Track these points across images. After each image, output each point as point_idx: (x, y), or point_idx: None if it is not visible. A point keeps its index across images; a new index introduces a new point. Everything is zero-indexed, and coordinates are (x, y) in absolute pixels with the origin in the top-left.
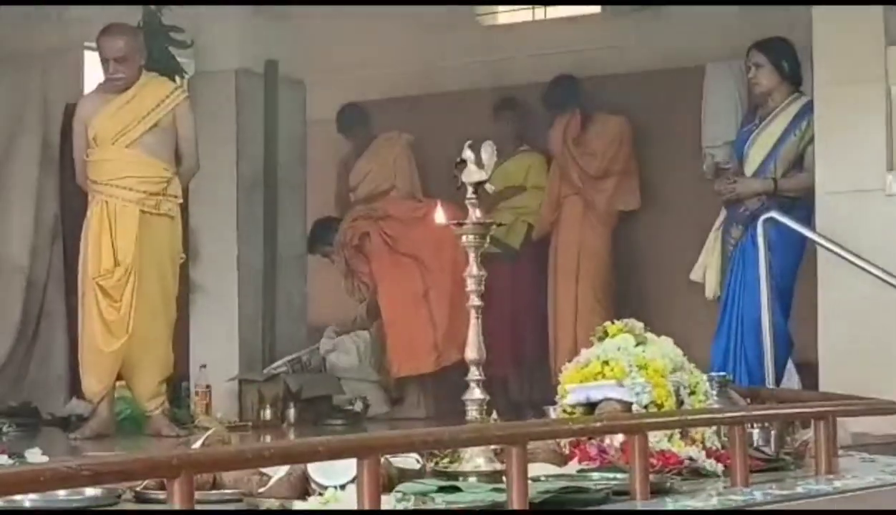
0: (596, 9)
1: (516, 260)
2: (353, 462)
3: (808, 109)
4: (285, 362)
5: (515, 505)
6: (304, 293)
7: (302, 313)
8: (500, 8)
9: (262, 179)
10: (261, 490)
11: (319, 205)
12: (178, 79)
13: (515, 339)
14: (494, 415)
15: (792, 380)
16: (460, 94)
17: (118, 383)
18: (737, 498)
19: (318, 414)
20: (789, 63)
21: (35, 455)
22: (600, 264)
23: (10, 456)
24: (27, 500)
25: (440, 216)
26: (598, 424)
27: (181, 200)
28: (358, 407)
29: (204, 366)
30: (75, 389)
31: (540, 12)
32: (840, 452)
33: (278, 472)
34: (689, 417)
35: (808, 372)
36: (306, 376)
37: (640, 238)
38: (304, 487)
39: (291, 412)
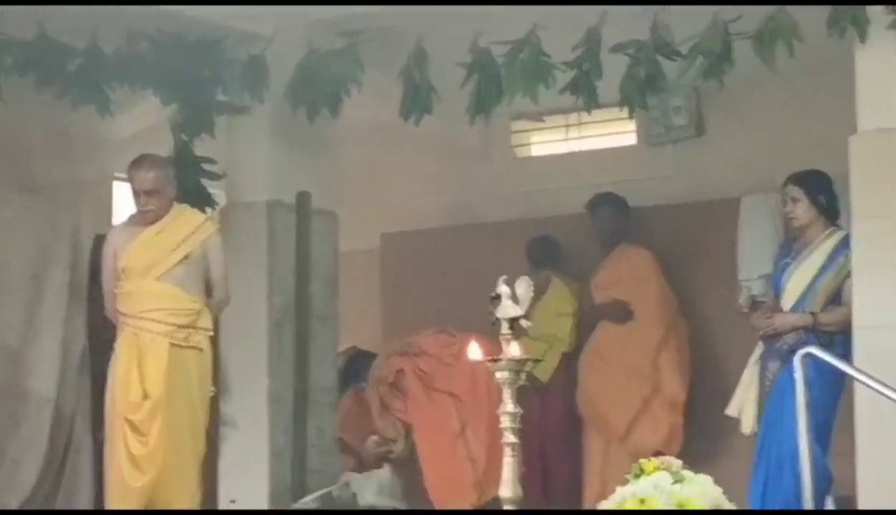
0: (632, 139)
1: (545, 391)
2: None
3: (845, 244)
4: (315, 497)
5: None
6: (334, 426)
7: (332, 447)
8: (534, 138)
9: (293, 311)
10: None
11: (352, 338)
12: (208, 210)
13: (547, 473)
14: None
15: None
16: (495, 226)
17: None
18: None
19: None
20: (826, 197)
21: None
22: None
23: None
24: None
25: (475, 352)
26: None
27: (211, 332)
28: None
29: (234, 501)
30: None
31: (574, 144)
32: None
33: None
34: None
35: (849, 507)
36: (337, 511)
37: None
38: None
39: None
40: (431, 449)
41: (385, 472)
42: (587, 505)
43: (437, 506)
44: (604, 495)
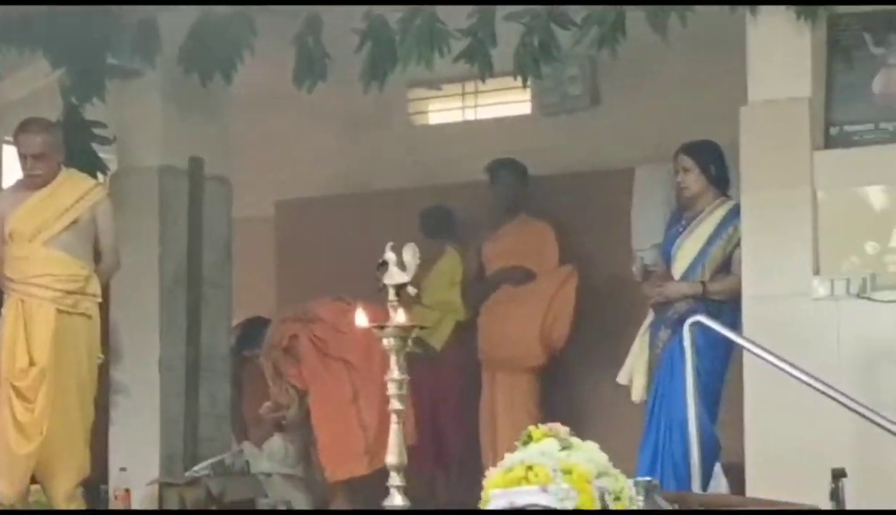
0: (526, 109)
1: (438, 359)
2: None
3: (735, 213)
4: (207, 465)
5: None
6: (227, 394)
7: (225, 415)
8: (431, 106)
9: (185, 278)
10: None
11: (245, 306)
12: (99, 175)
13: (442, 439)
14: None
15: (720, 483)
16: (390, 193)
17: (33, 486)
18: None
19: None
20: (716, 167)
21: None
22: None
23: None
24: None
25: (361, 318)
26: None
27: (100, 299)
28: (282, 506)
29: (124, 469)
30: None
31: (471, 113)
32: None
33: None
34: None
35: (737, 474)
36: (229, 479)
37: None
38: None
39: None
40: (324, 415)
41: (277, 439)
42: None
43: (329, 473)
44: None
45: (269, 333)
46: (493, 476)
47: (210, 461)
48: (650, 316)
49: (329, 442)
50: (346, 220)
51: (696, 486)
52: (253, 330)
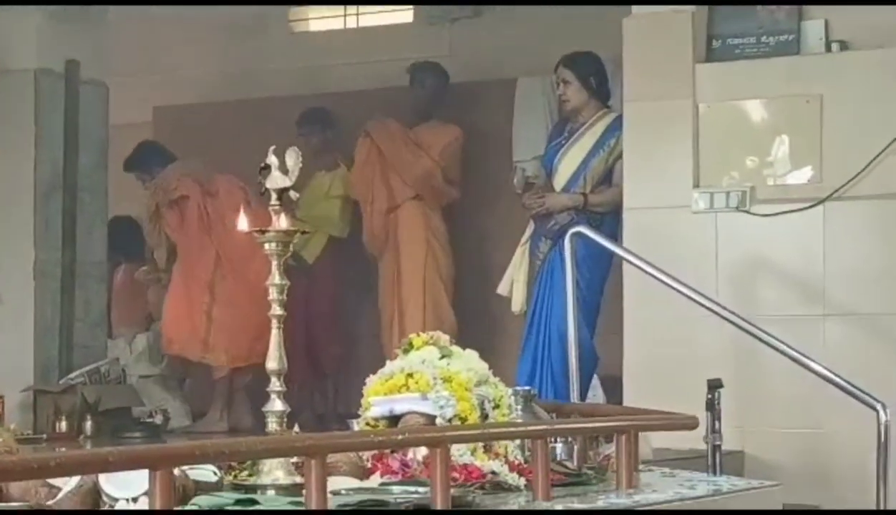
0: (409, 17)
1: (310, 272)
2: (144, 473)
3: (617, 125)
4: (83, 372)
5: None
6: (103, 301)
7: (101, 322)
8: (312, 14)
9: (61, 183)
10: (49, 502)
11: (121, 212)
12: None
13: (317, 352)
14: (297, 428)
15: (597, 395)
16: (270, 101)
17: None
18: (538, 511)
19: (117, 426)
20: (596, 79)
21: None
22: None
23: None
24: None
25: (242, 222)
26: (400, 436)
27: None
28: (158, 419)
29: None
30: None
31: (352, 20)
32: (641, 467)
33: (68, 484)
34: (493, 430)
35: (613, 386)
36: (104, 387)
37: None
38: (95, 500)
39: (88, 424)
40: (181, 286)
41: (142, 339)
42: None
43: (164, 342)
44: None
45: (166, 175)
46: (373, 383)
47: (85, 368)
48: (530, 228)
49: (172, 315)
50: (224, 127)
51: (574, 397)
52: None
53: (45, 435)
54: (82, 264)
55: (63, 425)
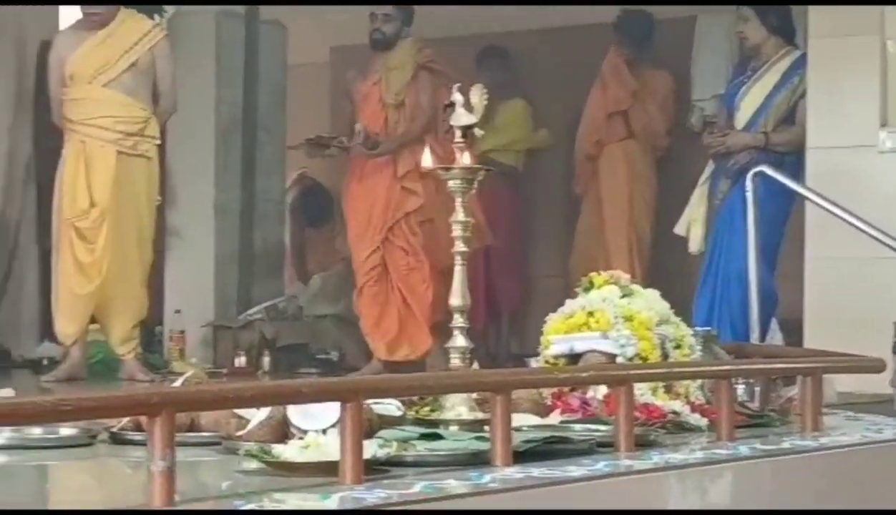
0: None
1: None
2: (333, 406)
3: (800, 63)
4: (261, 309)
5: (499, 454)
6: (282, 239)
7: (279, 259)
8: None
9: (240, 123)
10: (239, 433)
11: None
12: (157, 17)
13: (493, 289)
14: (476, 366)
15: (775, 338)
16: (447, 41)
17: (91, 326)
18: (722, 453)
19: (294, 362)
20: (777, 17)
21: (7, 396)
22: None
23: None
24: (1, 437)
25: (427, 159)
26: (585, 374)
27: (159, 141)
28: (334, 356)
29: (178, 311)
30: (47, 332)
31: None
32: (825, 410)
33: (257, 416)
34: (677, 369)
35: (792, 329)
36: (282, 323)
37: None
38: (283, 431)
39: (266, 360)
40: None
41: (317, 279)
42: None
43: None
44: None
45: None
46: (553, 322)
47: (263, 305)
48: (709, 167)
49: None
50: None
51: (754, 338)
52: (309, 198)
53: (224, 370)
54: (261, 202)
55: (242, 360)
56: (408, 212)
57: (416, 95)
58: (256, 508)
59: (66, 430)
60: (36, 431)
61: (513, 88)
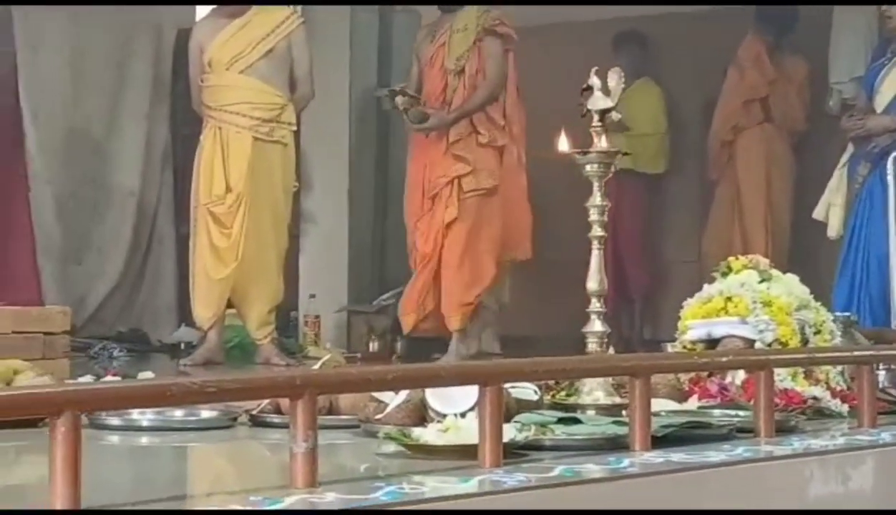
0: None
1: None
2: (471, 390)
3: None
4: (395, 294)
5: (638, 439)
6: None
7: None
8: None
9: (375, 108)
10: (378, 416)
11: None
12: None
13: (624, 274)
14: (611, 351)
15: None
16: (582, 25)
17: (228, 311)
18: (864, 439)
19: (427, 347)
20: None
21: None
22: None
23: (122, 379)
24: (144, 419)
25: (563, 143)
26: (725, 359)
27: (295, 128)
28: None
29: (313, 296)
30: (184, 316)
31: None
32: None
33: (395, 399)
34: (819, 355)
35: None
36: None
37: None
38: (421, 414)
39: (399, 344)
40: None
41: None
42: None
43: None
44: None
45: None
46: (690, 307)
47: (397, 290)
48: (848, 151)
49: None
50: (535, 51)
51: (895, 324)
52: None
53: (359, 355)
54: (394, 187)
55: (376, 345)
56: (453, 178)
57: (479, 62)
58: (396, 489)
59: (207, 412)
60: (177, 413)
61: (649, 73)
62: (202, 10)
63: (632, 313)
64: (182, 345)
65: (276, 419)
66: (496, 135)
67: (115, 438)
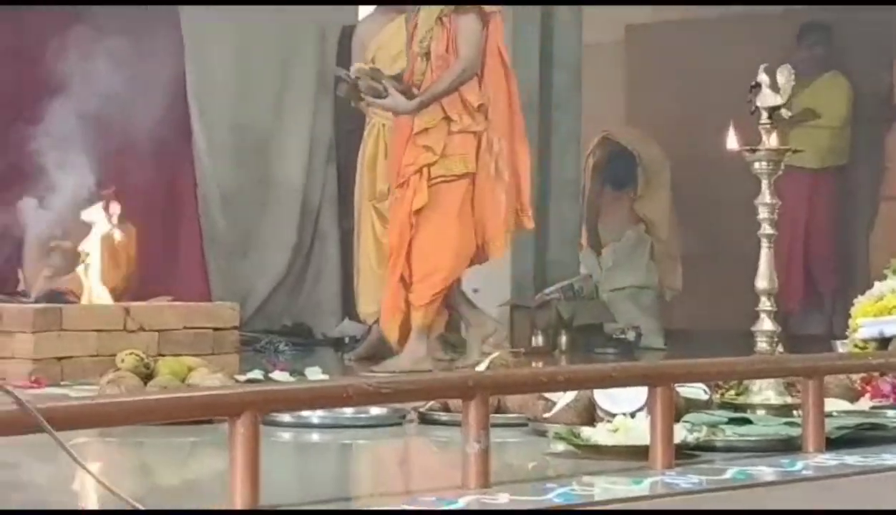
0: None
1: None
2: (639, 390)
3: None
4: (557, 288)
5: (811, 440)
6: (577, 218)
7: (575, 238)
8: None
9: (536, 103)
10: (546, 415)
11: (595, 130)
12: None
13: (814, 269)
14: (780, 349)
15: None
16: (753, 18)
17: None
18: None
19: (590, 342)
20: None
21: (315, 374)
22: None
23: (290, 374)
24: (315, 416)
25: (732, 141)
26: None
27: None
28: (630, 336)
29: (476, 291)
30: (348, 310)
31: None
32: None
33: (564, 398)
34: None
35: None
36: (578, 303)
37: None
38: (590, 414)
39: (563, 339)
40: None
41: (609, 252)
42: None
43: None
44: None
45: None
46: (861, 304)
47: (560, 285)
48: None
49: None
50: (703, 45)
51: None
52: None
53: (522, 349)
54: (556, 181)
55: (539, 340)
56: (420, 168)
57: (447, 41)
58: (567, 491)
59: (377, 410)
60: (347, 411)
61: (834, 64)
62: (365, 9)
63: (823, 309)
64: (346, 339)
65: (444, 417)
66: (469, 122)
67: (286, 435)
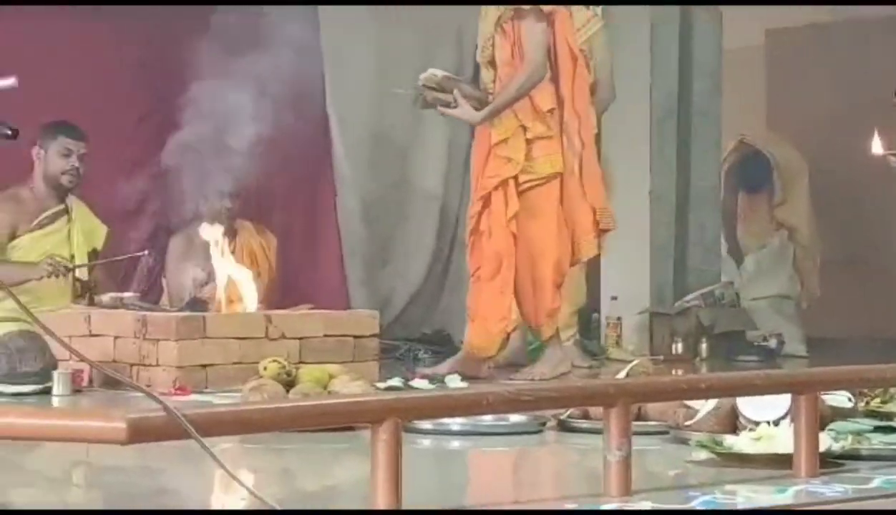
0: None
1: None
2: (782, 398)
3: None
4: (697, 296)
5: None
6: (717, 225)
7: (715, 245)
8: None
9: (675, 109)
10: (687, 422)
11: (733, 134)
12: (594, 8)
13: None
14: None
15: None
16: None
17: None
18: None
19: (731, 349)
20: None
21: (454, 381)
22: None
23: (430, 382)
24: (455, 423)
25: (877, 145)
26: None
27: (595, 130)
28: (772, 343)
29: (615, 298)
30: None
31: None
32: None
33: (706, 406)
34: None
35: None
36: (719, 310)
37: None
38: (732, 422)
39: (703, 347)
40: None
41: (751, 260)
42: None
43: None
44: None
45: None
46: None
47: (700, 292)
48: None
49: None
50: (840, 47)
51: None
52: (748, 164)
53: (661, 357)
54: (696, 188)
55: (679, 347)
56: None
57: (511, 46)
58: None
59: (516, 417)
60: (487, 418)
61: None
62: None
63: None
64: None
65: (584, 424)
66: (542, 129)
67: (426, 442)
